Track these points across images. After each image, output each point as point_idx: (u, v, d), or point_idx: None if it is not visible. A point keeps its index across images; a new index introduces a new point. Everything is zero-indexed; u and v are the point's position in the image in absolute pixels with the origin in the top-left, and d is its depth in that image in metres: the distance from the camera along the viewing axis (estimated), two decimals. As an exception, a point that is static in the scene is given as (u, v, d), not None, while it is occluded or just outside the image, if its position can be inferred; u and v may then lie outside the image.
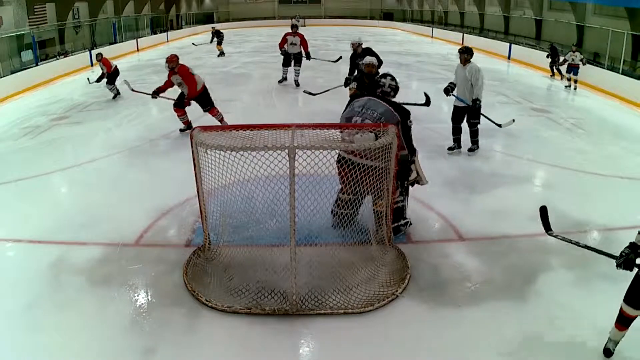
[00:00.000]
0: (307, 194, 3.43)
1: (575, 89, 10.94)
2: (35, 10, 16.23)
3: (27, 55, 14.25)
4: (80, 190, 5.54)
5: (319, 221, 3.63)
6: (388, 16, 34.42)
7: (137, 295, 3.48)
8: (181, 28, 29.04)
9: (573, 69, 10.88)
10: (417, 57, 16.93)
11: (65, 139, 7.44)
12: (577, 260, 3.87)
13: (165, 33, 24.11)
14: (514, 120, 7.03)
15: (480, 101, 6.12)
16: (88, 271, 3.76)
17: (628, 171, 5.84)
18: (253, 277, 3.52)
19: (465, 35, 21.11)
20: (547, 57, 12.88)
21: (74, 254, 4.01)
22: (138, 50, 19.27)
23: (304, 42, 10.84)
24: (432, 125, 7.86)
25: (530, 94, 10.49)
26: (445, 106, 9.60)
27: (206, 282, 3.54)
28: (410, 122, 3.89)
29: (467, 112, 6.23)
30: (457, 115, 6.35)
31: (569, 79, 11.14)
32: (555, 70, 12.60)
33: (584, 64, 10.83)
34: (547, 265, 3.79)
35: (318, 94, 8.62)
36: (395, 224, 4.07)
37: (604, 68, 11.66)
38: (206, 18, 33.36)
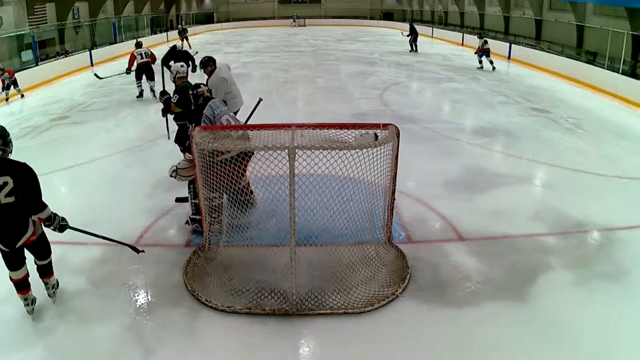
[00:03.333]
0: (307, 194, 3.43)
1: (493, 69, 13.53)
2: (35, 10, 16.23)
3: (27, 55, 14.25)
4: (80, 190, 5.53)
5: (319, 221, 3.63)
6: (388, 16, 34.39)
7: (137, 295, 3.48)
8: (181, 28, 29.03)
9: (484, 52, 13.68)
10: (417, 57, 16.93)
11: (65, 139, 7.44)
12: (577, 260, 3.87)
13: (165, 33, 24.12)
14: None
15: None
16: (88, 271, 3.77)
17: (628, 171, 5.84)
18: (253, 277, 3.53)
19: (465, 35, 21.10)
20: (407, 35, 17.92)
21: (74, 254, 4.01)
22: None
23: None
24: (432, 125, 7.87)
25: (530, 94, 10.49)
26: (445, 106, 9.62)
27: (206, 282, 3.54)
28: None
29: None
30: None
31: (480, 62, 13.84)
32: (413, 47, 17.69)
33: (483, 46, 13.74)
34: (547, 265, 3.79)
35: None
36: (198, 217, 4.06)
37: (604, 68, 11.65)
38: (206, 18, 33.37)
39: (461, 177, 5.63)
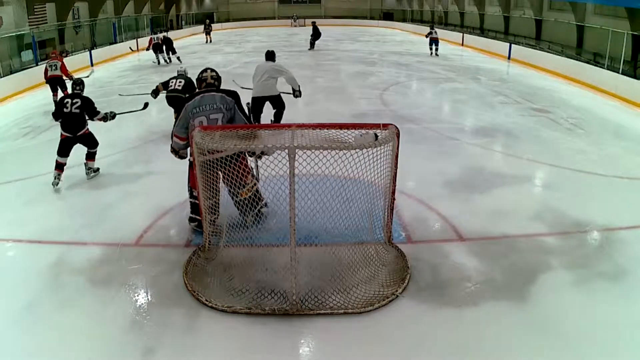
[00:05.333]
0: (307, 194, 3.43)
1: (437, 55, 16.65)
2: (35, 10, 16.22)
3: (27, 55, 14.25)
4: (80, 190, 5.53)
5: (319, 221, 3.63)
6: (388, 16, 34.41)
7: (137, 295, 3.48)
8: (181, 28, 29.04)
9: (434, 41, 16.73)
10: (417, 57, 16.93)
11: (65, 139, 7.43)
12: (577, 260, 3.87)
13: (166, 33, 24.11)
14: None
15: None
16: (88, 271, 3.76)
17: (628, 171, 5.84)
18: (253, 277, 3.52)
19: (465, 35, 21.11)
20: (311, 36, 19.43)
21: (74, 254, 4.01)
22: (138, 50, 19.27)
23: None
24: (432, 125, 7.87)
25: (530, 94, 10.50)
26: (445, 106, 9.62)
27: (206, 282, 3.54)
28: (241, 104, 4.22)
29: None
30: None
31: (431, 48, 16.86)
32: (313, 46, 19.21)
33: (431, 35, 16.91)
34: (547, 265, 3.79)
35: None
36: (258, 208, 4.06)
37: (604, 68, 11.65)
38: (206, 18, 33.34)
39: (461, 177, 5.63)
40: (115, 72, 14.21)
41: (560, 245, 4.14)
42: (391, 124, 3.49)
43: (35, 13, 16.33)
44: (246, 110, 4.35)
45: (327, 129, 3.45)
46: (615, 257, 3.91)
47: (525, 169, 5.94)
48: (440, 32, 23.85)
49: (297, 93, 7.30)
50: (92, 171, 5.71)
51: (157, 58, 15.96)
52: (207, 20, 25.35)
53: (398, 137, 3.49)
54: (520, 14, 19.38)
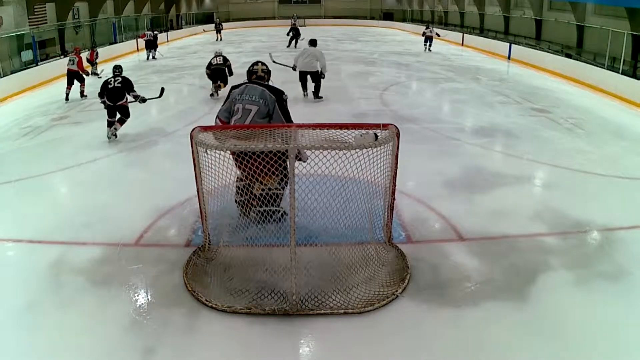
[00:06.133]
0: (307, 194, 3.43)
1: (430, 50, 18.41)
2: (35, 10, 16.21)
3: (27, 55, 14.25)
4: (80, 190, 5.54)
5: (319, 221, 3.63)
6: (388, 16, 34.42)
7: (137, 295, 3.48)
8: (181, 28, 29.05)
9: (428, 39, 18.43)
10: (417, 57, 16.93)
11: (65, 139, 7.44)
12: (577, 260, 3.87)
13: (165, 33, 24.13)
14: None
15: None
16: (88, 271, 3.76)
17: (628, 171, 5.84)
18: (253, 277, 3.53)
19: (465, 35, 21.11)
20: (288, 34, 20.40)
21: (74, 254, 4.01)
22: (138, 50, 19.28)
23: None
24: (432, 125, 7.87)
25: (530, 94, 10.49)
26: (445, 106, 9.62)
27: (206, 282, 3.54)
28: (285, 97, 4.31)
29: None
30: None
31: (425, 44, 18.55)
32: (294, 45, 19.62)
33: (437, 35, 19.15)
34: (547, 265, 3.79)
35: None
36: (259, 209, 3.94)
37: (604, 68, 11.65)
38: (206, 18, 33.38)
39: (461, 177, 5.63)
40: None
41: (560, 245, 4.14)
42: (391, 124, 3.49)
43: (35, 13, 16.32)
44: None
45: (327, 129, 3.46)
46: (615, 257, 3.91)
47: (525, 169, 5.94)
48: (441, 32, 24.02)
49: (323, 75, 9.39)
50: (115, 132, 7.04)
51: (148, 54, 17.16)
52: (218, 19, 26.42)
53: (398, 137, 3.49)
54: (520, 14, 19.39)
